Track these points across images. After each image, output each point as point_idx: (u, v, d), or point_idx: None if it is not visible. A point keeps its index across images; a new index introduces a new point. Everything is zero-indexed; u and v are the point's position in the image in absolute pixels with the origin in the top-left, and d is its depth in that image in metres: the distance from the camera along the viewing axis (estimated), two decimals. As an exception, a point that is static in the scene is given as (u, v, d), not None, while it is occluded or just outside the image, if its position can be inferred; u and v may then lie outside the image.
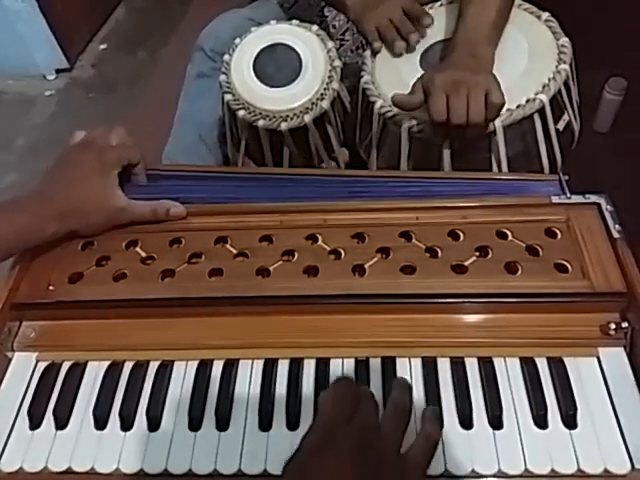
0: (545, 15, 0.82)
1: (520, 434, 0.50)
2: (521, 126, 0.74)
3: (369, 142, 0.84)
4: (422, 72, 0.78)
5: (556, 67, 0.75)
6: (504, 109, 0.72)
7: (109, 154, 0.66)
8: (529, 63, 0.76)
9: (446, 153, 0.74)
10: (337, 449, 0.40)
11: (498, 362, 0.54)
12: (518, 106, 0.73)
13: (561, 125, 0.78)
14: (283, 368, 0.56)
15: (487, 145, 0.74)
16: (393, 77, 0.81)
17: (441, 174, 0.72)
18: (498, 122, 0.72)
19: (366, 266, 0.60)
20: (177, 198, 0.68)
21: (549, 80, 0.74)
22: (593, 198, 0.62)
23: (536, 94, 0.73)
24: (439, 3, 0.89)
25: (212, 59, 1.01)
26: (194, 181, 0.73)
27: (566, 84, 0.76)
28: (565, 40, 0.78)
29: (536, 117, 0.74)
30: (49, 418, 0.55)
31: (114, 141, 0.69)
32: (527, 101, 0.73)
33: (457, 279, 0.58)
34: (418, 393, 0.53)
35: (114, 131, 0.69)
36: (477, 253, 0.60)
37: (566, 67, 0.75)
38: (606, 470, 0.48)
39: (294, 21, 0.92)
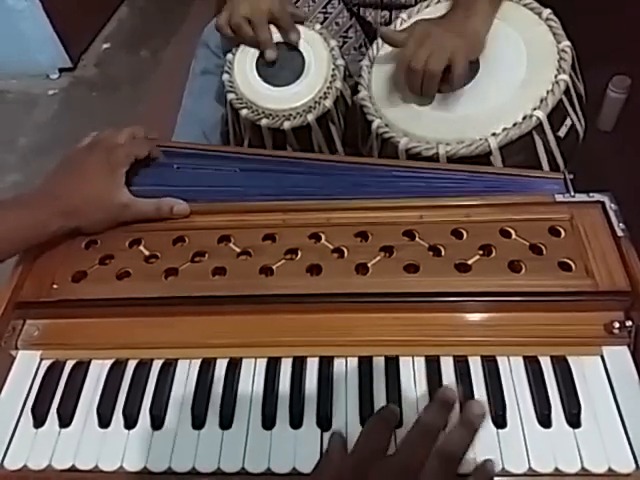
0: (546, 13, 0.79)
1: (524, 433, 0.50)
2: (519, 143, 0.72)
3: (370, 149, 0.84)
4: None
5: (555, 77, 0.73)
6: (500, 128, 0.71)
7: (117, 153, 0.66)
8: (527, 74, 0.74)
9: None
10: None
11: (502, 361, 0.54)
12: (515, 124, 0.71)
13: (563, 131, 0.77)
14: (286, 367, 0.56)
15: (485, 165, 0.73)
16: (390, 92, 0.80)
17: (444, 165, 0.71)
18: (494, 143, 0.70)
19: (369, 265, 0.60)
20: (180, 195, 0.68)
21: (547, 93, 0.72)
22: (597, 197, 0.62)
23: (533, 109, 0.71)
24: (435, 0, 0.88)
25: (217, 55, 1.01)
26: (199, 159, 0.74)
27: (567, 91, 0.75)
28: (566, 44, 0.75)
29: (534, 133, 0.72)
30: (53, 416, 0.55)
31: (122, 140, 0.69)
32: (524, 118, 0.71)
33: (460, 278, 0.58)
34: (421, 392, 0.53)
35: (122, 131, 0.70)
36: (480, 252, 0.60)
37: (565, 77, 0.73)
38: (610, 469, 0.47)
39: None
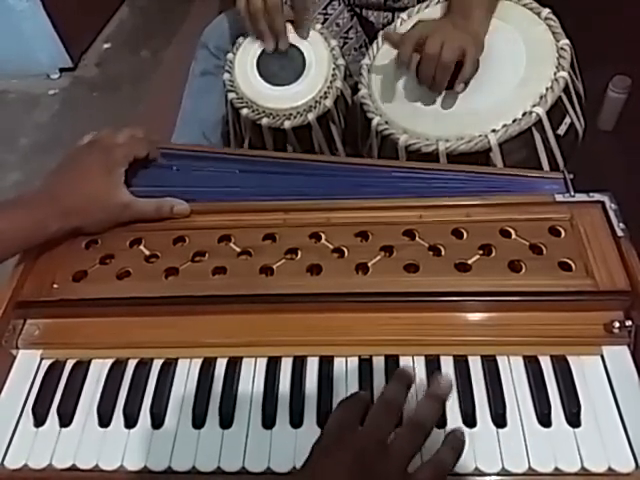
0: (545, 12, 0.79)
1: (524, 432, 0.50)
2: (518, 139, 0.72)
3: (369, 149, 0.84)
4: (418, 83, 0.78)
5: (554, 74, 0.73)
6: (499, 124, 0.71)
7: (115, 152, 0.66)
8: (526, 71, 0.74)
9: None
10: (341, 453, 0.40)
11: (501, 360, 0.54)
12: (514, 121, 0.71)
13: (562, 129, 0.77)
14: (286, 366, 0.56)
15: (484, 162, 0.73)
16: (390, 90, 0.80)
17: (444, 166, 0.71)
18: (494, 139, 0.71)
19: (369, 264, 0.60)
20: (180, 196, 0.68)
21: (547, 90, 0.72)
22: (597, 196, 0.62)
23: (533, 106, 0.71)
24: (435, 1, 0.88)
25: (216, 56, 1.01)
26: (200, 161, 0.74)
27: (566, 89, 0.75)
28: (565, 42, 0.76)
29: (534, 130, 0.73)
30: (53, 415, 0.55)
31: (121, 140, 0.69)
32: (524, 114, 0.71)
33: (460, 277, 0.58)
34: (421, 391, 0.52)
35: (121, 131, 0.70)
36: (480, 251, 0.60)
37: (564, 74, 0.73)
38: (610, 469, 0.48)
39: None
